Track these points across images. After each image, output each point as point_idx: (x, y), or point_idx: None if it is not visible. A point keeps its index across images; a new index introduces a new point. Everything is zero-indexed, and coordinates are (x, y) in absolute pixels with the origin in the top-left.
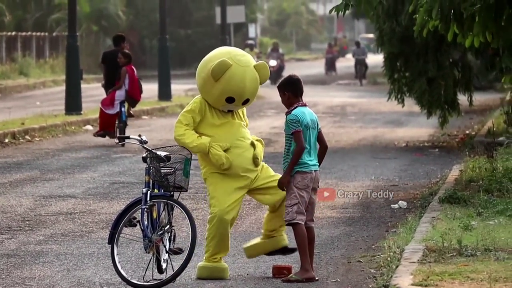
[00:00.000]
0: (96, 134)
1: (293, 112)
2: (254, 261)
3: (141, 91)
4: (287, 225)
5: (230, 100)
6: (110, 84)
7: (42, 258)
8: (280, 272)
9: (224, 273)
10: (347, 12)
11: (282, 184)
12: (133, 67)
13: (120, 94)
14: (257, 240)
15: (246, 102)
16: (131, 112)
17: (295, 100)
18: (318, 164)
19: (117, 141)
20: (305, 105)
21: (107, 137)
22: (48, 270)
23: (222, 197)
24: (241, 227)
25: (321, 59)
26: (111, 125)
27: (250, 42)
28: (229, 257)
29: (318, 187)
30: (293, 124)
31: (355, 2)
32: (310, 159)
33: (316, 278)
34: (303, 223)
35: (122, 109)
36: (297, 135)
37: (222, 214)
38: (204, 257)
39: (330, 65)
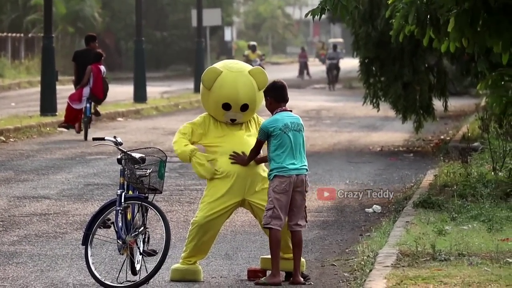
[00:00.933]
0: (60, 125)
1: (265, 121)
2: (228, 263)
3: (105, 90)
4: (264, 228)
5: (226, 107)
6: (80, 82)
7: (16, 259)
8: (255, 275)
9: (197, 276)
10: (323, 16)
11: (239, 162)
12: (99, 66)
13: (86, 91)
14: None
15: (245, 108)
16: (98, 109)
17: (277, 106)
18: (304, 167)
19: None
20: (286, 111)
21: (84, 135)
22: (21, 270)
23: (208, 203)
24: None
25: (296, 63)
26: (75, 119)
27: (252, 43)
28: (203, 259)
29: (306, 190)
30: (259, 133)
31: (331, 7)
32: (291, 163)
33: (281, 284)
34: (278, 228)
35: (88, 105)
36: (257, 142)
37: (202, 220)
38: (181, 257)
39: (304, 69)
